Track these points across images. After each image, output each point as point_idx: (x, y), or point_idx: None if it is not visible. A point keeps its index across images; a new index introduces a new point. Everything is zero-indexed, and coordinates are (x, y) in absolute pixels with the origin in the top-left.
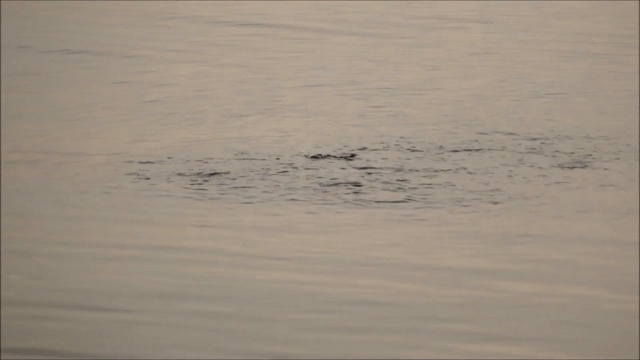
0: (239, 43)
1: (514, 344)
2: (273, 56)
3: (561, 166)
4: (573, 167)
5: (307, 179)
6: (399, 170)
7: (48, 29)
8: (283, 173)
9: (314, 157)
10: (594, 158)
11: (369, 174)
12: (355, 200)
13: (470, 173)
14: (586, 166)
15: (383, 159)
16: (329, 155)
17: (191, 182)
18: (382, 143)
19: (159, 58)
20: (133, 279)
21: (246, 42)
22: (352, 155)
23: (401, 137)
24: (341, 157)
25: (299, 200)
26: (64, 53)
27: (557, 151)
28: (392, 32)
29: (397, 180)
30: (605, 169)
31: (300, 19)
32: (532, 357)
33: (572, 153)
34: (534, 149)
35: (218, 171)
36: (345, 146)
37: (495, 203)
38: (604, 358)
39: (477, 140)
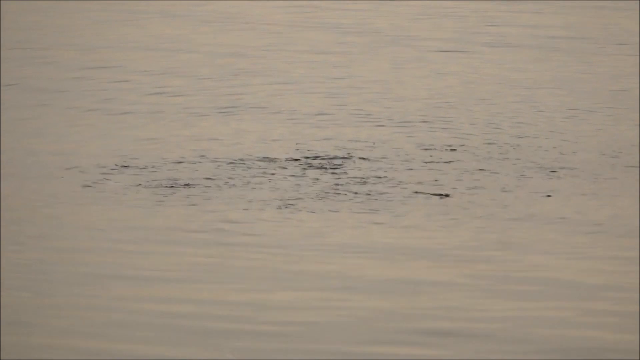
0: (205, 38)
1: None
2: (239, 52)
3: (532, 170)
4: (543, 171)
5: (271, 191)
6: (368, 177)
7: (10, 24)
8: (247, 180)
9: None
10: (563, 162)
11: (338, 179)
12: (324, 205)
13: (437, 179)
14: (555, 170)
15: (351, 162)
16: (313, 158)
17: (156, 193)
18: (346, 148)
19: (122, 53)
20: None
21: (212, 39)
22: (331, 160)
23: (367, 140)
24: (322, 166)
25: (261, 207)
26: (26, 49)
27: (523, 155)
28: (362, 28)
29: (369, 185)
30: (575, 172)
31: (270, 15)
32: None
33: (542, 157)
34: (501, 151)
35: (182, 180)
36: (306, 150)
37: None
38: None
39: (449, 145)
